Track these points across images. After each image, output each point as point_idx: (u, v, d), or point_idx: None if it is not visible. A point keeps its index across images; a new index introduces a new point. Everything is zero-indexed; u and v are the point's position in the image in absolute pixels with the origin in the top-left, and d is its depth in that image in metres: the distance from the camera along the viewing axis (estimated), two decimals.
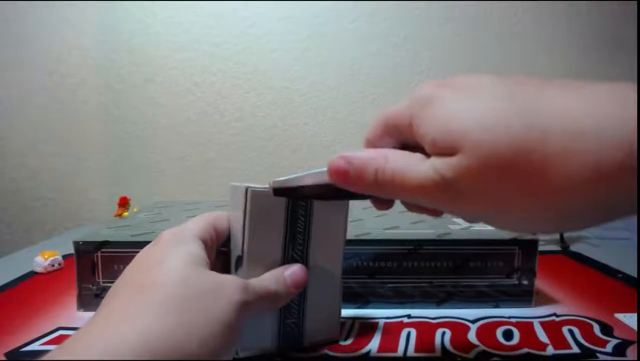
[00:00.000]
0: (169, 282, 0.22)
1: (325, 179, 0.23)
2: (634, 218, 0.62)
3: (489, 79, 0.20)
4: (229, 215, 0.30)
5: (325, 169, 0.23)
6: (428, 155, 0.19)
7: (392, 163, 0.20)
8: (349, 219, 0.49)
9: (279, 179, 0.26)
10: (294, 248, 0.29)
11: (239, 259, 0.28)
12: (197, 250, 0.25)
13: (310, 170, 0.26)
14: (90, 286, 0.40)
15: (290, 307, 0.30)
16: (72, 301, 0.40)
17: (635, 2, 0.81)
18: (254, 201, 0.28)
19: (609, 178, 0.15)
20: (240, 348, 0.28)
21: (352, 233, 0.42)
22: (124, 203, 0.69)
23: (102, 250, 0.39)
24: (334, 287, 0.31)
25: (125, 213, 0.68)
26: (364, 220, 0.47)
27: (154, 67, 0.83)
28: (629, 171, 0.14)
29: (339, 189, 0.23)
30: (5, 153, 0.84)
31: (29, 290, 0.46)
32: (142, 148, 0.85)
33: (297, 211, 0.29)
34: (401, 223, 0.46)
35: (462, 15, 0.84)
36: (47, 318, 0.39)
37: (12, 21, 0.81)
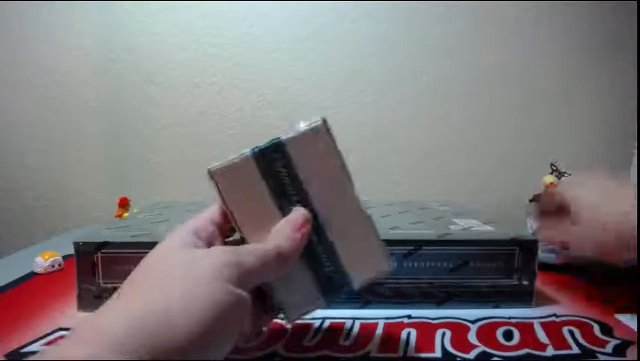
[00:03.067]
0: (150, 262, 0.24)
1: None
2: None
3: None
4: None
5: None
6: None
7: None
8: None
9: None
10: (290, 201, 0.28)
11: (242, 240, 0.28)
12: (185, 237, 0.26)
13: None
14: (91, 286, 0.40)
15: (320, 257, 0.28)
16: (73, 301, 0.40)
17: (635, 2, 0.81)
18: (219, 178, 0.27)
19: None
20: (288, 313, 0.28)
21: None
22: (124, 204, 0.69)
23: (102, 251, 0.39)
24: (359, 221, 0.28)
25: (126, 214, 0.68)
26: None
27: (154, 68, 0.83)
28: None
29: None
30: (5, 153, 0.84)
31: (29, 291, 0.46)
32: (142, 148, 0.85)
33: (273, 166, 0.27)
34: (401, 223, 0.46)
35: (462, 15, 0.84)
36: (48, 319, 0.39)
37: (12, 21, 0.81)
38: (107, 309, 0.21)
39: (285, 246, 0.26)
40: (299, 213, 0.28)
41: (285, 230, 0.27)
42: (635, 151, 0.74)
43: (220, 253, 0.24)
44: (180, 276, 0.22)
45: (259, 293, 0.27)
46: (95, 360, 0.18)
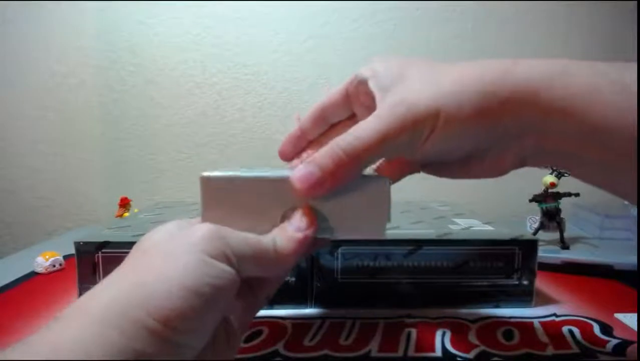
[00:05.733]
0: (137, 246, 0.24)
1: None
2: (634, 218, 0.61)
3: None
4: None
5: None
6: None
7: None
8: None
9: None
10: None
11: None
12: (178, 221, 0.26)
13: None
14: (91, 286, 0.39)
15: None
16: (73, 301, 0.40)
17: (635, 2, 0.81)
18: (205, 187, 0.26)
19: None
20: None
21: None
22: (124, 204, 0.69)
23: (103, 251, 0.39)
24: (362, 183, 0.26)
25: (126, 214, 0.68)
26: None
27: (155, 68, 0.83)
28: None
29: None
30: (5, 153, 0.84)
31: (30, 291, 0.46)
32: (143, 149, 0.85)
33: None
34: (401, 223, 0.46)
35: (462, 15, 0.84)
36: (48, 319, 0.38)
37: (12, 21, 0.81)
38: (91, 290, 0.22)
39: (282, 245, 0.25)
40: (305, 213, 0.26)
41: (287, 229, 0.25)
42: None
43: (202, 228, 0.23)
44: (158, 250, 0.22)
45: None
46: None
